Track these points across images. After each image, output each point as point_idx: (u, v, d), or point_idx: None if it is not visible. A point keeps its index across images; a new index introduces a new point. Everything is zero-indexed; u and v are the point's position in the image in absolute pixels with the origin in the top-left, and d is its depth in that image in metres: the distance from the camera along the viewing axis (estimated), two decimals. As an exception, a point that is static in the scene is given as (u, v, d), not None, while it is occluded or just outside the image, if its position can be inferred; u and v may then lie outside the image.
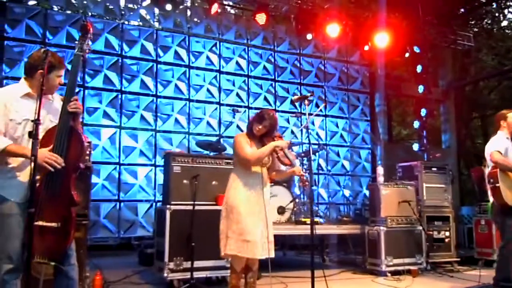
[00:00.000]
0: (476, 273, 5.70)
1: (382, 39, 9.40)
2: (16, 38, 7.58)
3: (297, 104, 9.48)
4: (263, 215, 3.82)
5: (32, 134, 2.40)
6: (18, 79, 7.13)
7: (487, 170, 4.93)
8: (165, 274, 4.76)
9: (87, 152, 4.13)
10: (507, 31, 15.52)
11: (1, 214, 2.76)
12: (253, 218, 3.79)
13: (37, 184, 2.66)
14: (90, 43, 2.95)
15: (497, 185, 4.69)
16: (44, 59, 2.76)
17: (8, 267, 2.71)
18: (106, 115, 8.25)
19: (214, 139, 8.01)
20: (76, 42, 2.93)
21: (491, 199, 4.86)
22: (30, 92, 2.85)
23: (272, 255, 3.86)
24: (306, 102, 3.56)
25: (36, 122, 2.45)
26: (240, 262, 3.87)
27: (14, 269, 2.73)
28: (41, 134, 2.68)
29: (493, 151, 4.75)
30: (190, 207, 4.91)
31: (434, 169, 7.13)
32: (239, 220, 3.76)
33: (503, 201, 4.65)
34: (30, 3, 7.93)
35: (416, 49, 10.59)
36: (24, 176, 2.77)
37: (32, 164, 2.44)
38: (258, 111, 4.10)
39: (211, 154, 6.28)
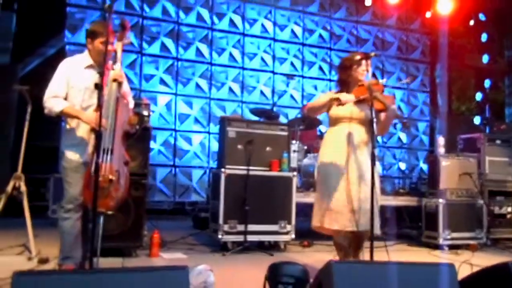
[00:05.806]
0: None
1: (445, 6, 8.91)
2: (77, 4, 7.78)
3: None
4: (347, 182, 3.28)
5: (98, 86, 2.49)
6: (80, 45, 7.40)
7: None
8: (220, 236, 4.83)
9: (137, 116, 4.20)
10: None
11: (68, 168, 3.10)
12: (336, 184, 3.33)
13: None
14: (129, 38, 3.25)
15: None
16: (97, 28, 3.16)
17: (69, 206, 3.06)
18: (162, 82, 8.39)
19: (267, 108, 7.96)
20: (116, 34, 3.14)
21: None
22: (92, 64, 3.13)
23: (364, 228, 3.23)
24: (369, 62, 3.36)
25: (101, 73, 2.54)
26: (342, 237, 3.42)
27: (74, 208, 3.07)
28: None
29: None
30: (244, 172, 4.94)
31: (498, 142, 6.75)
32: (325, 186, 3.43)
33: None
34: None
35: (481, 16, 9.97)
36: (82, 134, 3.09)
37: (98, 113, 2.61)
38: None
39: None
